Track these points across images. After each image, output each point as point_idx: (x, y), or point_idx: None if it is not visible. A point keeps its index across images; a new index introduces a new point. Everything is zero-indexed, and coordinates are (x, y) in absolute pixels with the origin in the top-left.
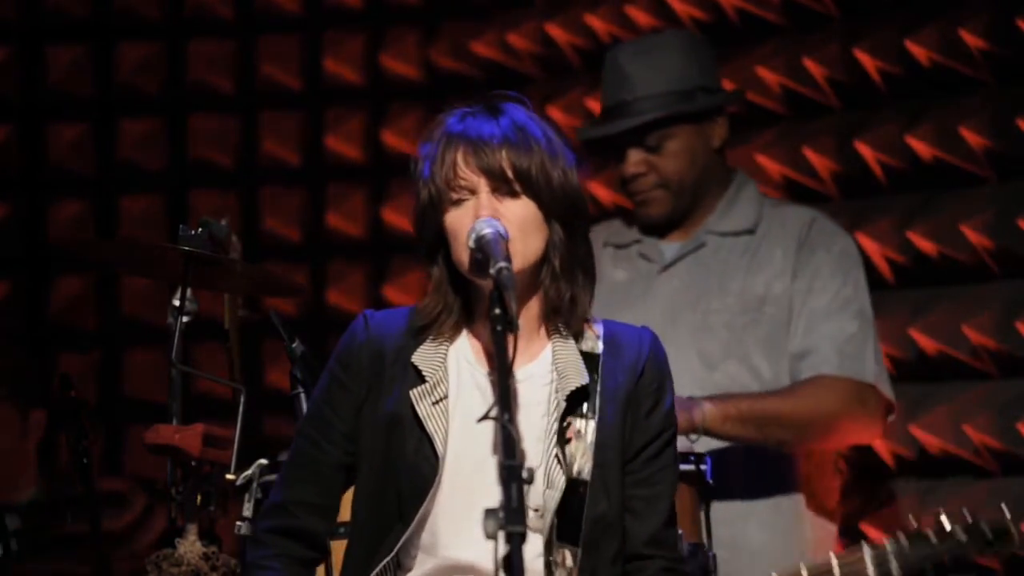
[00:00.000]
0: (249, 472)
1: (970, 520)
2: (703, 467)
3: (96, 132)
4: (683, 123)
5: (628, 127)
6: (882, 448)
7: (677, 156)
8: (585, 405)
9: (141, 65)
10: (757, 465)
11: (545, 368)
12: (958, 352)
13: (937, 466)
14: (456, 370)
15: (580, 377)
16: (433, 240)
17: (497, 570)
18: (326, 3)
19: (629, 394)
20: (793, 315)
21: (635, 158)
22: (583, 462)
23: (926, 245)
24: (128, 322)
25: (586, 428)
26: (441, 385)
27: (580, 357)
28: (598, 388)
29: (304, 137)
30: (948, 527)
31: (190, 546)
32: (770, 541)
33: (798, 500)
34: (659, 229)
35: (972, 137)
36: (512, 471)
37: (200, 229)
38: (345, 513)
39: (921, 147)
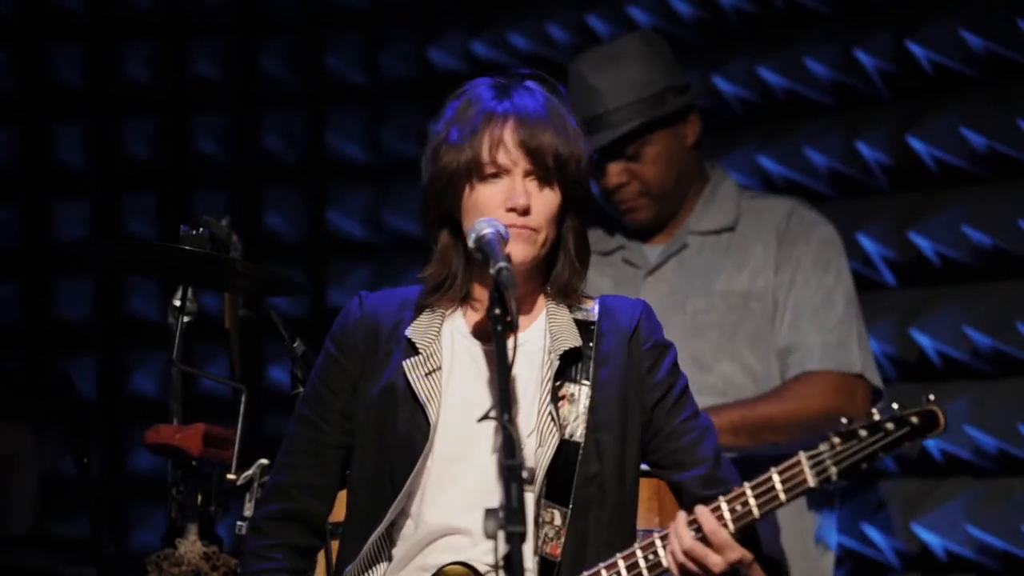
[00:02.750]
0: (250, 472)
1: (898, 411)
2: None
3: (97, 131)
4: (658, 128)
5: (607, 140)
6: None
7: (656, 162)
8: (578, 368)
9: (142, 64)
10: (758, 461)
11: (539, 332)
12: (958, 352)
13: (937, 466)
14: (450, 342)
15: (573, 339)
16: (447, 208)
17: (496, 559)
18: (326, 3)
19: (624, 356)
20: (777, 310)
21: (615, 169)
22: (576, 425)
23: (926, 245)
24: (129, 322)
25: (579, 392)
26: (435, 356)
27: (573, 322)
28: (592, 354)
29: (304, 137)
30: (877, 419)
31: (191, 546)
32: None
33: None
34: (642, 234)
35: (972, 137)
36: (512, 471)
37: (201, 229)
38: (339, 513)
39: (921, 147)
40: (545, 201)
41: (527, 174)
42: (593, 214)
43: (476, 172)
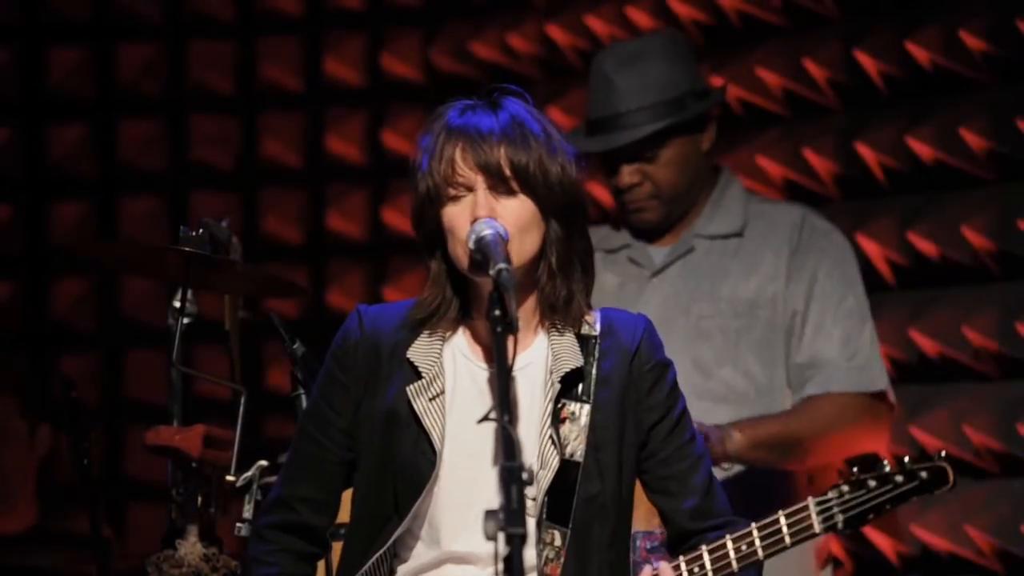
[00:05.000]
0: (249, 473)
1: (908, 464)
2: None
3: (97, 133)
4: (676, 133)
5: (626, 142)
6: (882, 449)
7: (670, 165)
8: (580, 388)
9: (142, 66)
10: (764, 468)
11: (541, 354)
12: (958, 353)
13: None
14: (452, 365)
15: (575, 359)
16: (431, 234)
17: (497, 560)
18: (326, 4)
19: (625, 375)
20: (795, 322)
21: (629, 170)
22: (576, 444)
23: (926, 246)
24: (129, 323)
25: (580, 411)
26: (437, 380)
27: (576, 341)
28: (593, 371)
29: (304, 138)
30: (886, 471)
31: (190, 547)
32: None
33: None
34: (648, 233)
35: (972, 138)
36: (512, 472)
37: (201, 230)
38: (345, 514)
39: (921, 148)
40: (511, 210)
41: (490, 187)
42: (587, 221)
43: (442, 195)
